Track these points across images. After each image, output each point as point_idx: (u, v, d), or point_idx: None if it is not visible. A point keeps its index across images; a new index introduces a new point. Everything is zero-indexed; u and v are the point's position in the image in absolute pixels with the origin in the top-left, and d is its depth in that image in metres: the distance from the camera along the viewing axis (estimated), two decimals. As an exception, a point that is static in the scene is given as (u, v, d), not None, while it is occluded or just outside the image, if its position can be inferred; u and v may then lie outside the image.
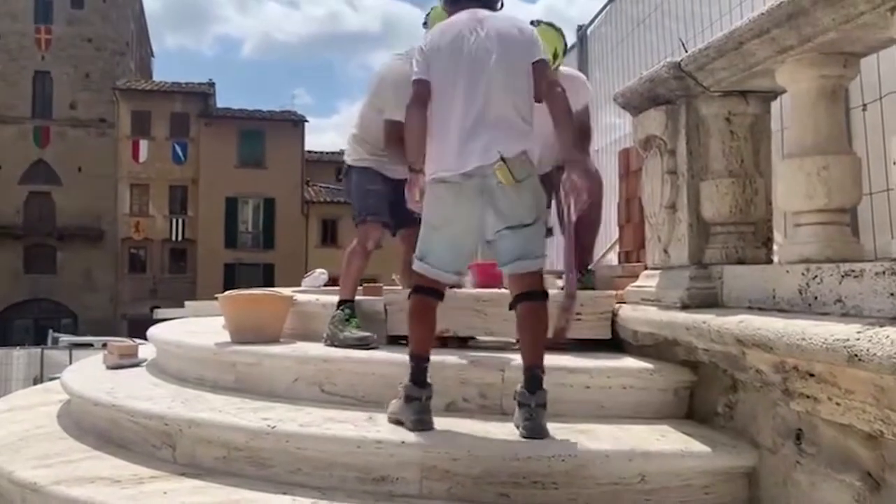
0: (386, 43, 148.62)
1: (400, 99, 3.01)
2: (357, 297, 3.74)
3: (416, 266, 2.77)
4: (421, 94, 2.77)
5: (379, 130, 3.70)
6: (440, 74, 2.77)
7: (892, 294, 1.87)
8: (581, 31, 6.55)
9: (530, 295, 2.67)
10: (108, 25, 35.26)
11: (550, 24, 3.99)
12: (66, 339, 21.45)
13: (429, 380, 2.67)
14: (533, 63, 2.77)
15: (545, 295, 2.70)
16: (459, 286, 3.61)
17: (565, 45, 4.11)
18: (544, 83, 2.77)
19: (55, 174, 34.16)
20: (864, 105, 2.91)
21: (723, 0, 4.04)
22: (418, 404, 2.61)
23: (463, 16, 2.88)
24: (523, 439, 2.52)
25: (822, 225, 2.36)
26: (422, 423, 2.58)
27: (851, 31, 2.19)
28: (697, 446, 2.50)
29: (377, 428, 2.64)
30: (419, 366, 2.68)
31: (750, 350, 2.28)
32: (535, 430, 2.52)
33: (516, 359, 3.09)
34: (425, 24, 3.84)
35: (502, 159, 2.61)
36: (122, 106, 34.34)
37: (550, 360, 2.75)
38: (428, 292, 2.76)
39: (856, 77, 2.51)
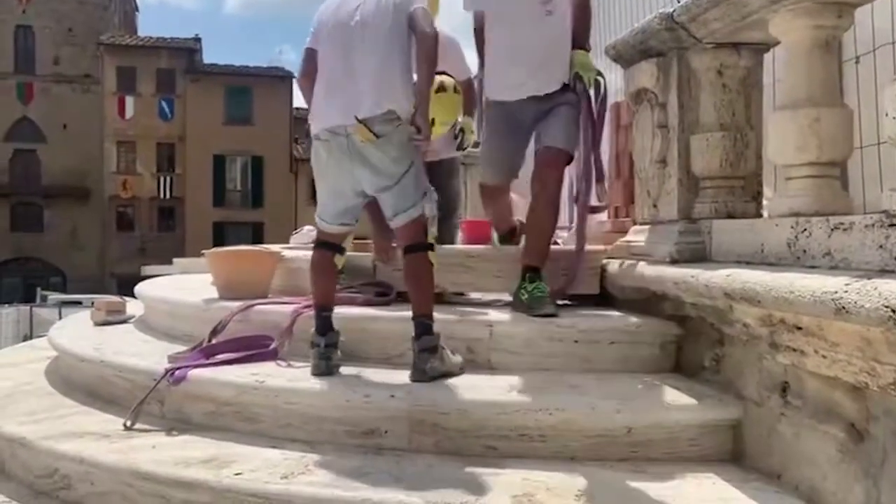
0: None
1: None
2: (348, 253, 3.72)
3: (315, 220, 3.04)
4: (305, 62, 3.03)
5: None
6: (324, 43, 2.96)
7: (881, 246, 1.86)
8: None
9: (410, 247, 2.85)
10: (91, -22, 34.51)
11: None
12: (54, 297, 21.43)
13: (335, 327, 2.87)
14: (408, 13, 2.82)
15: (425, 246, 2.85)
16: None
17: None
18: (416, 32, 2.81)
19: (40, 131, 33.72)
20: (857, 58, 2.88)
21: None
22: (317, 350, 2.78)
23: None
24: (511, 393, 2.53)
25: (813, 178, 2.34)
26: (317, 368, 2.75)
27: (847, -20, 2.15)
28: (684, 399, 2.51)
29: (365, 382, 2.64)
30: (319, 315, 2.89)
31: (737, 304, 2.28)
32: (417, 374, 2.68)
33: (504, 314, 3.10)
34: None
35: (358, 120, 2.74)
36: (106, 61, 33.75)
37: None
38: (322, 245, 3.01)
39: (850, 27, 2.47)
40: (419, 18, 2.80)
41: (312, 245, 3.14)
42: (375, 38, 2.84)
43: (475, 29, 3.70)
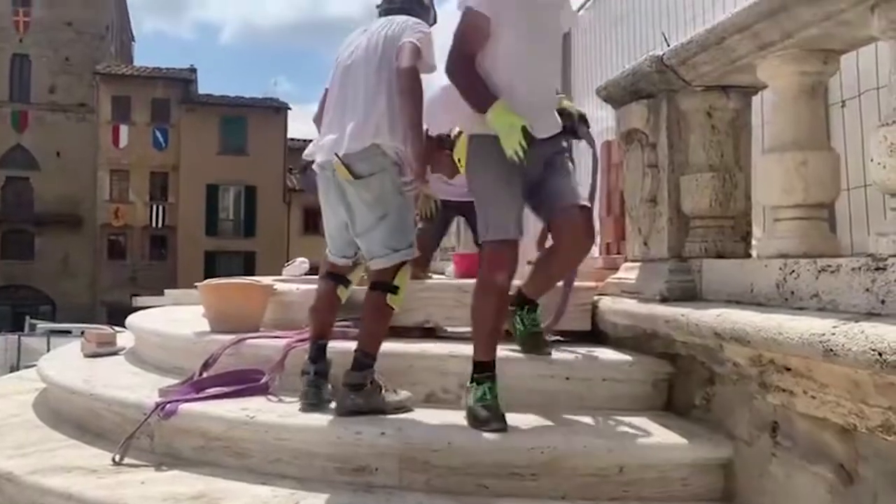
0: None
1: None
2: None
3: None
4: (319, 103, 3.09)
5: None
6: (330, 82, 3.02)
7: (867, 290, 1.89)
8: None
9: (374, 284, 2.87)
10: (89, 9, 34.74)
11: None
12: (43, 325, 21.26)
13: (329, 357, 2.89)
14: (398, 47, 2.83)
15: (385, 286, 2.82)
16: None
17: None
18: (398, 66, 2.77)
19: (34, 159, 33.72)
20: (843, 102, 2.94)
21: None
22: (307, 378, 2.81)
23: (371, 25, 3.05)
24: (503, 432, 2.52)
25: (800, 220, 2.38)
26: (305, 396, 2.77)
27: (832, 28, 2.20)
28: (675, 438, 2.52)
29: (356, 418, 2.64)
30: (314, 343, 2.91)
31: (727, 343, 2.30)
32: (339, 409, 2.69)
33: (498, 349, 3.10)
34: None
35: (338, 157, 2.78)
36: (102, 91, 33.92)
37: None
38: (328, 276, 3.05)
39: (836, 74, 2.53)
40: (402, 52, 2.78)
41: (306, 274, 3.16)
42: (365, 74, 2.86)
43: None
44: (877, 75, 2.72)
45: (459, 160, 3.74)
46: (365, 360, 2.76)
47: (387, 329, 2.87)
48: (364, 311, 2.86)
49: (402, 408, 2.75)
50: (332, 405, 2.76)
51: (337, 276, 3.02)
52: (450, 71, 2.74)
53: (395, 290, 2.81)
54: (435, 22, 3.19)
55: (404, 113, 2.74)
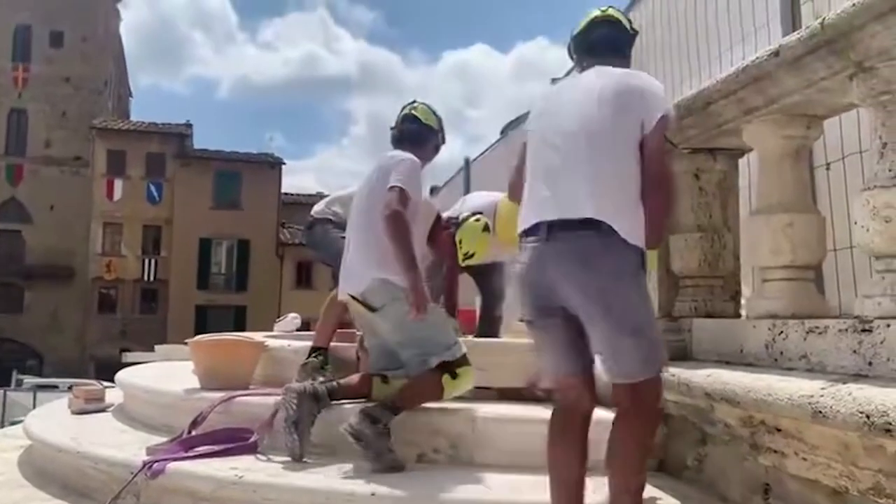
0: (364, 87, 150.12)
1: None
2: (332, 344, 3.73)
3: None
4: None
5: None
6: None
7: (854, 351, 1.91)
8: (555, 82, 6.67)
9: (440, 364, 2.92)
10: (88, 65, 35.23)
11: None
12: (30, 380, 20.98)
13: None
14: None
15: (449, 368, 2.92)
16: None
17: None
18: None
19: (27, 212, 33.74)
20: (828, 164, 3.01)
21: (692, 59, 4.17)
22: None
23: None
24: (494, 491, 2.50)
25: (788, 281, 2.41)
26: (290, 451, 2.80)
27: (813, 95, 2.27)
28: (668, 500, 2.49)
29: (346, 478, 2.61)
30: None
31: (718, 404, 2.31)
32: (348, 426, 2.70)
33: (488, 408, 3.09)
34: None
35: (352, 296, 3.03)
36: (98, 145, 34.16)
37: (523, 410, 2.73)
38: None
39: (819, 138, 2.59)
40: (387, 199, 2.93)
41: (298, 329, 3.20)
42: (366, 209, 3.07)
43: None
44: (859, 139, 2.80)
45: (461, 241, 3.90)
46: (395, 407, 2.79)
47: (426, 401, 2.93)
48: (422, 373, 2.94)
49: (396, 466, 2.72)
50: (323, 468, 2.74)
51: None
52: (666, 177, 2.28)
53: (454, 375, 2.92)
54: (443, 142, 3.38)
55: (397, 258, 2.89)
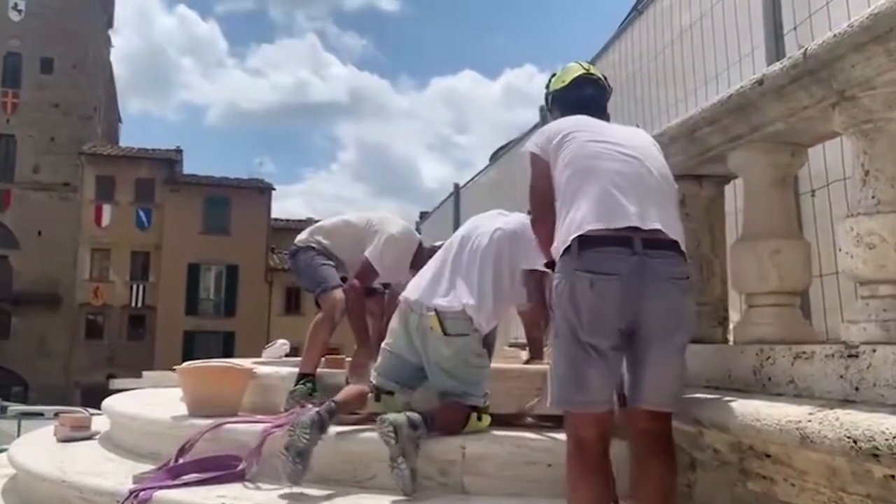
0: (352, 113, 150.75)
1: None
2: (319, 370, 3.71)
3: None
4: None
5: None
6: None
7: (841, 376, 1.92)
8: (544, 111, 6.74)
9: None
10: (77, 91, 35.28)
11: None
12: (14, 408, 20.72)
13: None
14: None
15: (477, 406, 3.06)
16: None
17: None
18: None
19: (13, 237, 33.56)
20: (813, 191, 3.04)
21: (678, 88, 4.22)
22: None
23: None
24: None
25: (775, 307, 2.43)
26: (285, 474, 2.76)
27: (797, 124, 2.31)
28: (657, 527, 2.48)
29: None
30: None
31: (707, 430, 2.31)
32: (388, 418, 2.76)
33: (477, 435, 3.09)
34: None
35: (434, 311, 3.03)
36: (86, 170, 34.11)
37: (516, 437, 2.72)
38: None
39: (804, 165, 2.63)
40: (534, 305, 3.28)
41: (286, 356, 3.19)
42: (493, 257, 3.19)
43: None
44: (843, 167, 2.83)
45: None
46: (431, 422, 2.85)
47: (452, 428, 2.98)
48: (458, 405, 3.04)
49: (413, 475, 2.71)
50: (312, 493, 2.72)
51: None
52: None
53: (479, 417, 3.05)
54: None
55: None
